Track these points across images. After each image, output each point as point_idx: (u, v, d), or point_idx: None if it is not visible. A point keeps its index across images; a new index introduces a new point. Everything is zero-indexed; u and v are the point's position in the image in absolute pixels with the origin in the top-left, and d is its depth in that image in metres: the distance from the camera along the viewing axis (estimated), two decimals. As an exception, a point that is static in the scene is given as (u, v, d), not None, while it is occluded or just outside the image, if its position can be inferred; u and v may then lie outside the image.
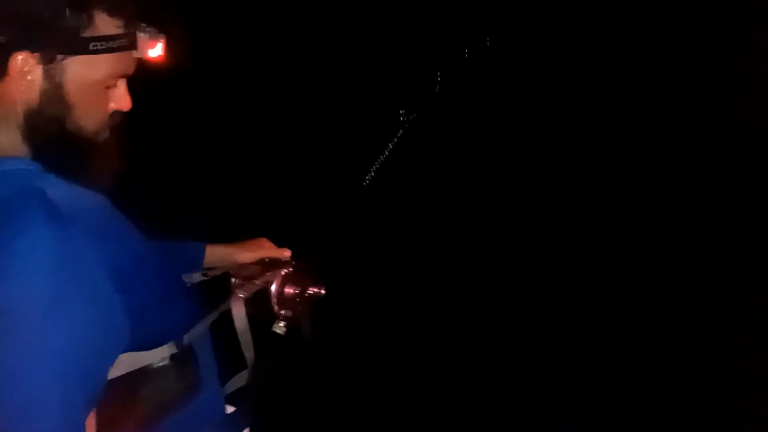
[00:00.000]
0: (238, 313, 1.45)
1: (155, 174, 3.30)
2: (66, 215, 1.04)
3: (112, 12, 1.08)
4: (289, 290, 1.70)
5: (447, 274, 3.53)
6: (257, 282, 1.59)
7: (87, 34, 1.06)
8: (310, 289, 1.72)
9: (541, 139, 4.05)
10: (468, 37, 3.99)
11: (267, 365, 1.52)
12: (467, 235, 3.74)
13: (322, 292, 1.73)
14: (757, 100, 3.88)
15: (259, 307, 1.67)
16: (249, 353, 1.46)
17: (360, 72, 3.94)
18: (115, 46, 1.08)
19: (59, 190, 1.08)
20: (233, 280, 1.74)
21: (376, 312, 3.10)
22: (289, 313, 1.67)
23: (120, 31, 1.09)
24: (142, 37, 1.14)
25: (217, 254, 1.73)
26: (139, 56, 1.15)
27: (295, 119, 3.90)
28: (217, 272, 1.72)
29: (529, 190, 3.94)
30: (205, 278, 1.69)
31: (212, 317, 1.38)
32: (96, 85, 1.11)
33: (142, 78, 1.21)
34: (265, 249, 1.78)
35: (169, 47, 1.26)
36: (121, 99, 1.17)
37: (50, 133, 1.09)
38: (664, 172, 3.88)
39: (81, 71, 1.08)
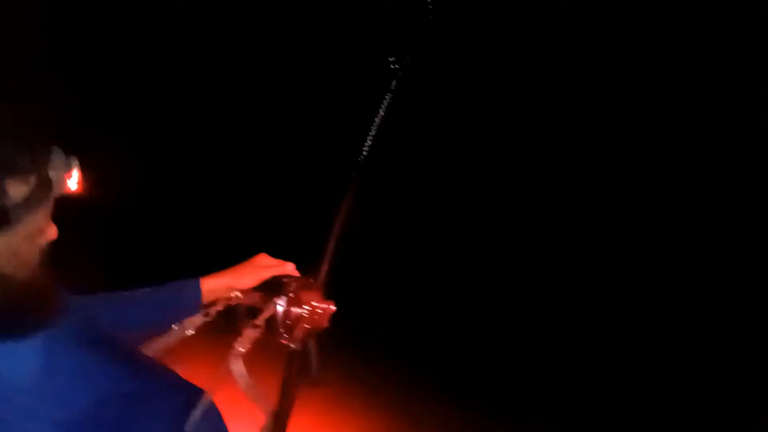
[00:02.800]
0: (240, 372, 1.35)
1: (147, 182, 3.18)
2: None
3: (23, 172, 0.96)
4: (295, 312, 1.60)
5: (447, 274, 3.42)
6: (258, 322, 1.50)
7: (3, 207, 0.95)
8: (319, 306, 1.62)
9: (541, 139, 3.75)
10: (467, 35, 3.62)
11: (288, 407, 1.44)
12: (467, 235, 3.57)
13: (332, 307, 1.63)
14: (759, 100, 3.46)
15: (269, 334, 1.59)
16: (264, 405, 1.38)
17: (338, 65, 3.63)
18: (34, 203, 0.97)
19: None
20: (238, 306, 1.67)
21: (374, 311, 3.02)
22: (299, 338, 1.58)
23: (35, 184, 0.97)
24: (56, 175, 1.01)
25: (213, 287, 1.63)
26: (57, 195, 1.02)
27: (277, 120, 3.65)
28: (220, 307, 1.63)
29: (530, 190, 3.71)
30: (208, 319, 1.60)
31: (212, 390, 1.29)
32: (25, 244, 1.01)
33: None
34: (265, 268, 1.67)
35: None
36: (48, 233, 1.06)
37: None
38: (664, 171, 3.56)
39: (7, 244, 0.98)
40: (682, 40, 3.46)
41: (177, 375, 1.37)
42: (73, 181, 1.05)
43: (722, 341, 3.22)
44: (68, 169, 1.03)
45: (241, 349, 1.40)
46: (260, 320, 1.51)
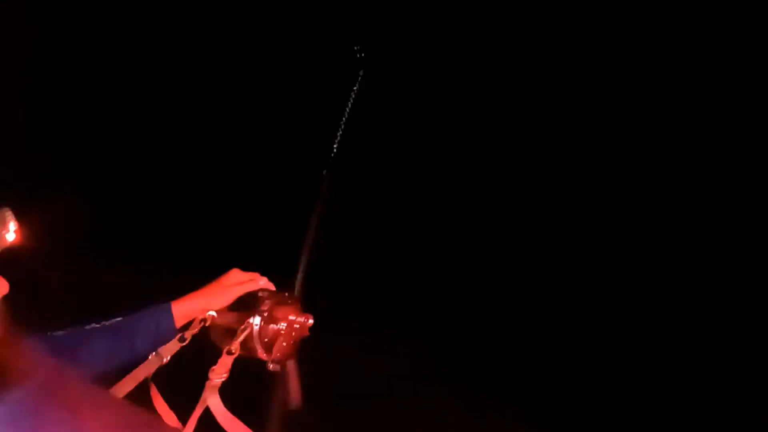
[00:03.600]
0: (217, 406, 1.32)
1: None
2: None
3: None
4: (272, 329, 1.57)
5: (445, 274, 3.35)
6: (232, 347, 1.46)
7: None
8: (296, 321, 1.58)
9: (539, 138, 3.63)
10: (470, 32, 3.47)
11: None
12: (466, 235, 3.49)
13: (310, 321, 1.59)
14: (759, 99, 3.33)
15: (248, 351, 1.56)
16: (245, 435, 1.35)
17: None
18: None
19: None
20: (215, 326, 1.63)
21: (369, 311, 2.97)
22: (278, 356, 1.55)
23: None
24: None
25: (186, 310, 1.59)
26: None
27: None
28: (195, 330, 1.59)
29: (528, 190, 3.61)
30: (183, 344, 1.56)
31: (192, 424, 1.26)
32: None
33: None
34: (237, 285, 1.63)
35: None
36: None
37: None
38: (663, 172, 3.47)
39: None
40: (682, 41, 3.36)
41: (154, 416, 1.34)
42: (10, 234, 1.00)
43: (722, 341, 3.21)
44: (3, 223, 0.98)
45: (218, 380, 1.37)
46: (235, 345, 1.47)
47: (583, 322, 3.40)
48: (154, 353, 1.53)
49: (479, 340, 3.38)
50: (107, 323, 1.52)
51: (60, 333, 1.45)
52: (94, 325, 1.51)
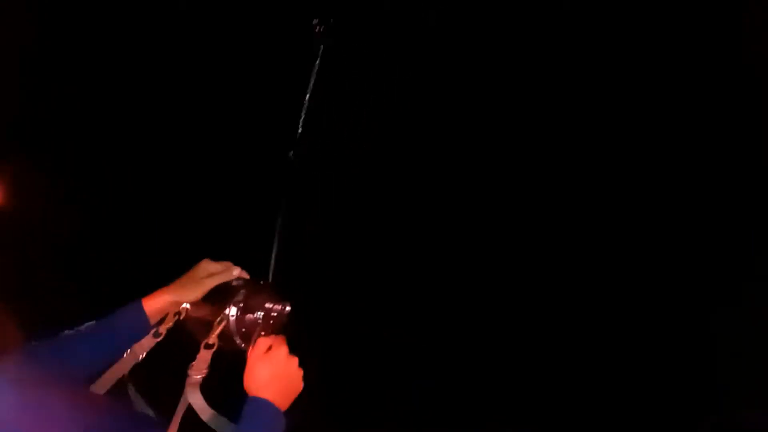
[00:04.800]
0: (198, 403, 1.30)
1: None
2: None
3: None
4: (249, 319, 1.54)
5: (440, 273, 3.30)
6: (210, 341, 1.43)
7: None
8: (273, 309, 1.56)
9: (539, 137, 3.56)
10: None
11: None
12: (464, 235, 3.43)
13: (287, 308, 1.57)
14: (759, 99, 3.29)
15: (226, 343, 1.54)
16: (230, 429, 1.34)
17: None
18: None
19: None
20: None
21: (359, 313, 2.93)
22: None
23: None
24: None
25: (159, 306, 1.55)
26: None
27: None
28: (169, 324, 1.55)
29: (527, 190, 3.55)
30: (159, 338, 1.53)
31: (176, 423, 1.24)
32: None
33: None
34: (209, 277, 1.59)
35: None
36: None
37: None
38: (664, 171, 3.44)
39: None
40: (682, 41, 3.33)
41: (136, 412, 1.32)
42: None
43: (722, 342, 3.25)
44: None
45: (198, 377, 1.34)
46: (212, 338, 1.45)
47: (580, 325, 3.40)
48: (128, 351, 1.50)
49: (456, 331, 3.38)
50: (82, 328, 1.48)
51: (39, 343, 1.41)
52: (68, 331, 1.47)
